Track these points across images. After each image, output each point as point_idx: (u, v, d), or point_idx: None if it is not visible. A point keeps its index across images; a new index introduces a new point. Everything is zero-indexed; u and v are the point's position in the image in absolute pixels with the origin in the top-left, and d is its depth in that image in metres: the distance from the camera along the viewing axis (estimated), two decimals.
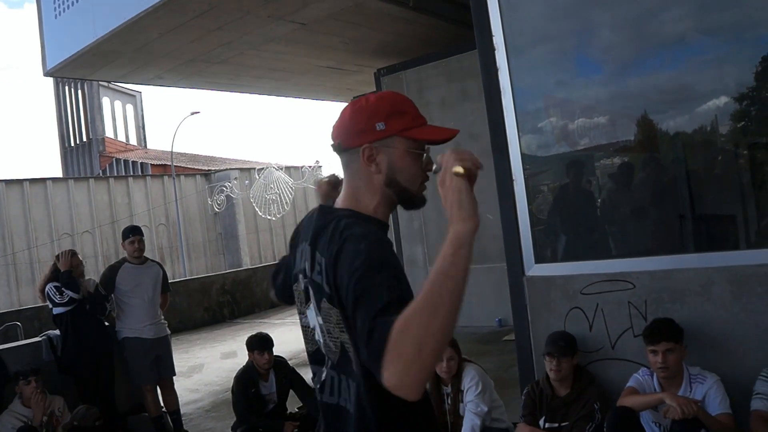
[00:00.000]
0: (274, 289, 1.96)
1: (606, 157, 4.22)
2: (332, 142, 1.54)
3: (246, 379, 4.78)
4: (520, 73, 4.08)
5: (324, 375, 1.53)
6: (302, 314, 1.60)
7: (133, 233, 5.43)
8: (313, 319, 1.52)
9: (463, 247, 1.21)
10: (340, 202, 1.54)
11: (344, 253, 1.34)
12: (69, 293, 5.03)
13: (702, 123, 3.67)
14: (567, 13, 4.03)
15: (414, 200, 1.52)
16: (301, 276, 1.58)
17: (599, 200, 4.26)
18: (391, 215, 1.59)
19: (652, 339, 3.18)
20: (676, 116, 3.76)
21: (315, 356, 1.57)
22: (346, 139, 1.50)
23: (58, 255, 5.26)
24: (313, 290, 1.48)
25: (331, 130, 1.54)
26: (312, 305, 1.51)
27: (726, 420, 2.98)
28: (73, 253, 5.27)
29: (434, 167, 1.35)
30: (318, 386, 1.56)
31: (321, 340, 1.51)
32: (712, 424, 2.92)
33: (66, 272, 5.07)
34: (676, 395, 3.05)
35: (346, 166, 1.53)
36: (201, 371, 8.55)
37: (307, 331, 1.59)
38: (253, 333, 5.02)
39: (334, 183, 1.98)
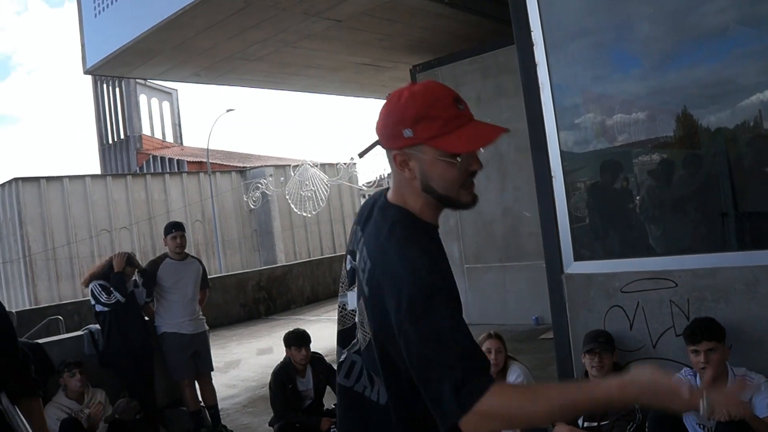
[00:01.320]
0: None
1: (645, 154, 4.14)
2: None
3: (283, 375, 4.82)
4: (558, 68, 4.04)
5: (344, 357, 1.53)
6: (342, 294, 1.59)
7: (175, 229, 5.49)
8: (353, 302, 1.51)
9: (600, 402, 1.27)
10: (391, 194, 1.49)
11: (393, 274, 1.31)
12: (117, 295, 5.09)
13: (745, 117, 3.58)
14: (605, 7, 3.98)
15: (456, 204, 1.43)
16: (349, 257, 1.55)
17: (639, 197, 4.19)
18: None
19: (693, 338, 3.12)
20: (717, 111, 3.68)
21: (344, 335, 1.56)
22: (382, 141, 1.44)
23: (114, 255, 5.30)
24: (358, 281, 1.46)
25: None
26: (355, 290, 1.50)
27: None
28: (129, 261, 5.27)
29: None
30: (337, 366, 1.57)
31: (358, 322, 1.49)
32: (759, 427, 2.85)
33: (118, 273, 5.14)
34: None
35: (390, 164, 1.47)
36: (237, 367, 8.64)
37: (344, 310, 1.57)
38: (290, 329, 5.05)
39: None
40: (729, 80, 3.62)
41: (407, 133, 1.36)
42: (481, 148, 1.39)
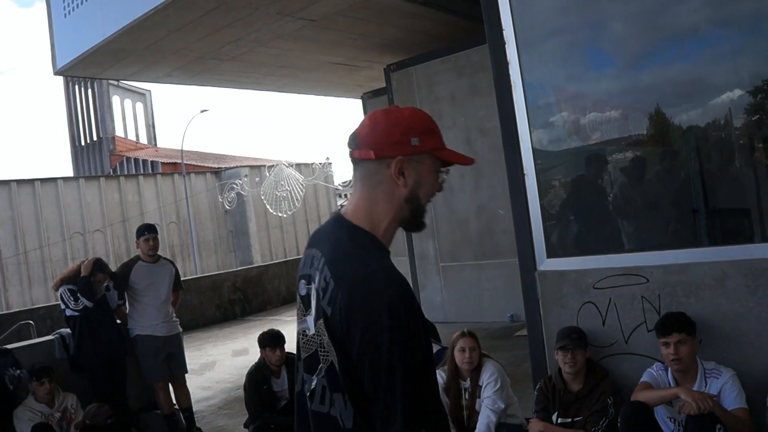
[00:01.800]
0: None
1: (618, 152, 4.18)
2: (353, 149, 1.51)
3: (258, 376, 4.79)
4: (530, 67, 4.05)
5: (314, 383, 1.50)
6: (301, 319, 1.56)
7: (148, 231, 5.43)
8: (312, 326, 1.49)
9: None
10: (350, 213, 1.51)
11: (370, 309, 1.32)
12: (84, 301, 5.02)
13: (716, 116, 3.63)
14: (578, 6, 4.00)
15: (420, 220, 1.54)
16: (303, 282, 1.55)
17: (611, 194, 4.23)
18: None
19: (664, 330, 3.17)
20: (689, 110, 3.72)
21: (309, 361, 1.52)
22: (380, 149, 1.47)
23: (83, 260, 5.23)
24: (316, 302, 1.46)
25: (354, 137, 1.51)
26: (311, 313, 1.49)
27: (742, 415, 2.95)
28: (99, 267, 5.19)
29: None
30: (308, 394, 1.52)
31: (317, 344, 1.48)
32: (728, 420, 2.89)
33: (85, 278, 5.06)
34: (691, 390, 3.02)
35: (366, 176, 1.50)
36: (213, 369, 8.58)
37: (304, 337, 1.54)
38: (265, 330, 5.02)
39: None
40: (700, 79, 3.66)
41: (415, 141, 1.47)
42: (466, 163, 1.57)
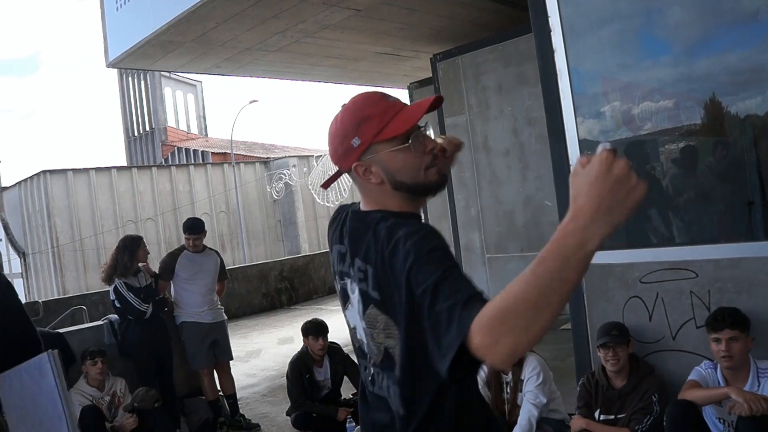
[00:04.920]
0: None
1: (670, 142, 4.04)
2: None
3: (300, 365, 4.82)
4: (578, 55, 3.96)
5: (373, 370, 1.52)
6: (344, 311, 1.60)
7: (189, 231, 5.46)
8: (354, 318, 1.53)
9: (569, 240, 1.00)
10: (365, 206, 1.51)
11: (398, 254, 1.29)
12: (147, 307, 5.11)
13: None
14: None
15: (429, 188, 1.45)
16: (338, 277, 1.57)
17: (662, 186, 4.10)
18: (440, 196, 1.54)
19: (715, 326, 3.04)
20: (746, 98, 3.57)
21: (360, 351, 1.58)
22: (339, 165, 1.49)
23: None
24: (359, 295, 1.47)
25: None
26: (352, 307, 1.51)
27: None
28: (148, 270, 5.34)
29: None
30: (369, 379, 1.55)
31: (363, 341, 1.51)
32: None
33: (149, 287, 5.20)
34: (743, 390, 2.90)
35: (353, 181, 1.52)
36: (258, 356, 8.69)
37: (350, 329, 1.59)
38: (309, 319, 5.04)
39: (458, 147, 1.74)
40: (760, 67, 3.50)
41: (356, 142, 1.42)
42: (419, 123, 1.42)
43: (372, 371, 1.52)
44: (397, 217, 1.41)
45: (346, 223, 1.54)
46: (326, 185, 1.65)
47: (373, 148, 1.42)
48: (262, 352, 8.96)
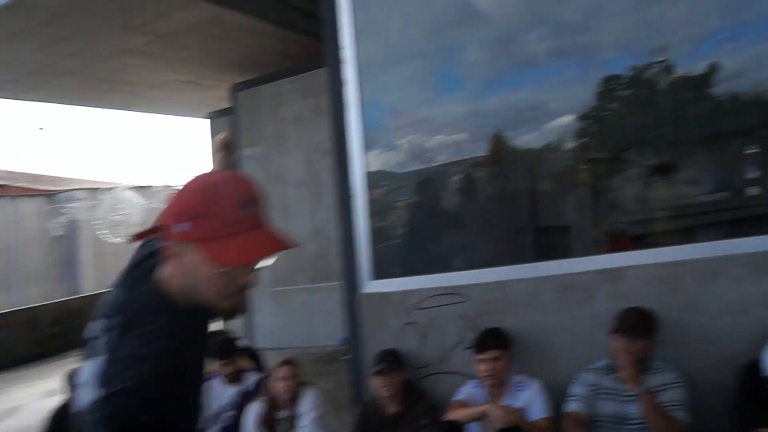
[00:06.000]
0: None
1: (457, 174, 4.26)
2: None
3: (62, 415, 4.29)
4: (375, 89, 4.07)
5: None
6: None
7: None
8: None
9: None
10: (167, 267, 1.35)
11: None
12: None
13: (549, 140, 3.81)
14: (427, 31, 4.06)
15: (215, 309, 1.38)
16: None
17: (441, 215, 4.30)
18: None
19: (481, 348, 3.21)
20: (526, 133, 3.90)
21: None
22: (160, 221, 1.31)
23: None
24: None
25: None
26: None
27: (545, 424, 3.02)
28: None
29: None
30: None
31: None
32: (530, 430, 2.96)
33: None
34: (498, 405, 3.08)
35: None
36: (15, 415, 7.67)
37: None
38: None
39: (226, 143, 1.74)
40: (538, 105, 3.84)
41: (185, 227, 1.23)
42: (249, 264, 1.28)
43: None
44: (154, 309, 1.31)
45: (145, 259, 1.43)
46: (139, 238, 1.43)
47: (192, 246, 1.25)
48: (21, 409, 7.93)
